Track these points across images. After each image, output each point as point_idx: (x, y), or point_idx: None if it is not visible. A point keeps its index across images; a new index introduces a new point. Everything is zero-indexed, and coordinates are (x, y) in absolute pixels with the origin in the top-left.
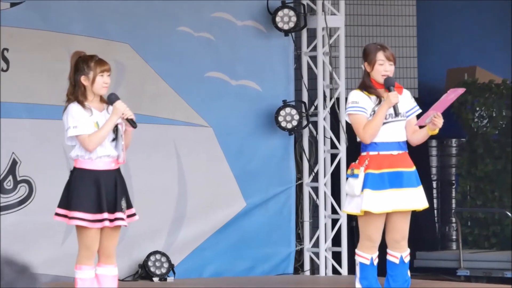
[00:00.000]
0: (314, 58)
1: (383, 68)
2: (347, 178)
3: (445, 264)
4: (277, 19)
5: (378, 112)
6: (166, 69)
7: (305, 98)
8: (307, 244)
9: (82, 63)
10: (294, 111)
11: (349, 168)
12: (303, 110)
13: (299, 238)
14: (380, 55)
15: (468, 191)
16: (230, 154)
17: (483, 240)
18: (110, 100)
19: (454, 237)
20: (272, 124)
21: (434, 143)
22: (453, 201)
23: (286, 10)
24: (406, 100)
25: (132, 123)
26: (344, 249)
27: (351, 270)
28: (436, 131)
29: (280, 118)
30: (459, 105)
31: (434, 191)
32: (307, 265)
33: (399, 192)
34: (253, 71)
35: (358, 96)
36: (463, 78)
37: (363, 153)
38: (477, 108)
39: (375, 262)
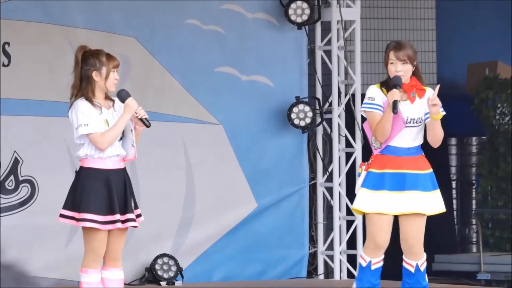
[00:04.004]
0: (328, 53)
1: (394, 67)
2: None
3: (465, 268)
4: (290, 11)
5: (385, 112)
6: (174, 63)
7: (319, 94)
8: (321, 247)
9: (92, 58)
10: (307, 108)
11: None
12: (317, 107)
13: (313, 241)
14: (391, 55)
15: (489, 192)
16: (240, 153)
17: (504, 243)
18: (120, 97)
19: (474, 239)
20: (285, 121)
21: (453, 141)
22: (473, 202)
23: (299, 2)
24: (425, 103)
25: (146, 122)
26: (359, 251)
27: None
28: (440, 114)
29: (293, 115)
30: (479, 102)
31: (454, 191)
32: (321, 269)
33: (401, 195)
34: (265, 66)
35: (375, 93)
36: (484, 74)
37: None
38: (499, 105)
39: (373, 266)
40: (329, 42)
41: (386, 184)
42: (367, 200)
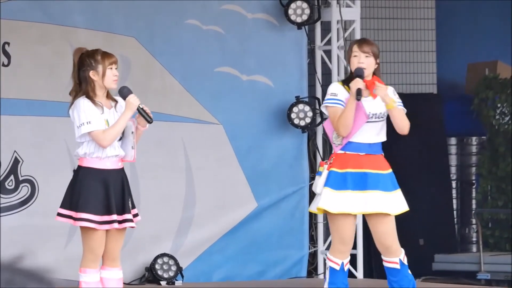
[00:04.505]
0: (328, 52)
1: (356, 60)
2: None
3: (464, 267)
4: (290, 11)
5: (347, 103)
6: (174, 63)
7: (319, 94)
8: (321, 247)
9: (88, 58)
10: (307, 108)
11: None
12: (317, 107)
13: (313, 240)
14: (355, 48)
15: (489, 191)
16: (240, 153)
17: (504, 243)
18: (122, 94)
19: (474, 239)
20: (285, 121)
21: (453, 141)
22: (473, 201)
23: (299, 2)
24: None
25: (147, 117)
26: (359, 252)
27: (367, 273)
28: (391, 104)
29: (293, 115)
30: (479, 102)
31: (454, 191)
32: (321, 268)
33: (364, 195)
34: (265, 66)
35: (337, 89)
36: (484, 73)
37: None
38: (499, 105)
39: (346, 267)
40: (329, 42)
41: (348, 183)
42: (332, 200)
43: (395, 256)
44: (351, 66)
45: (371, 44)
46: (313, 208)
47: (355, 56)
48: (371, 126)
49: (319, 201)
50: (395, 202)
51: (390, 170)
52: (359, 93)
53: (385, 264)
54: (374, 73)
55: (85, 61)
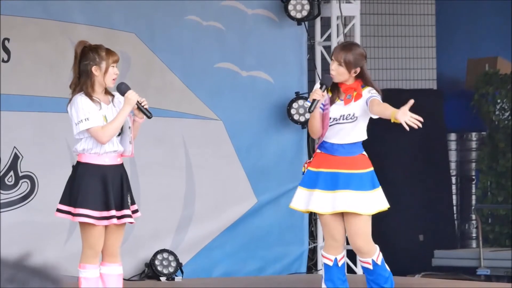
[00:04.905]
0: (328, 48)
1: (331, 65)
2: None
3: (464, 263)
4: (290, 7)
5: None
6: (174, 59)
7: None
8: (321, 242)
9: (92, 52)
10: (307, 104)
11: None
12: None
13: (312, 236)
14: (333, 52)
15: (489, 187)
16: (240, 148)
17: (504, 238)
18: (120, 90)
19: (474, 235)
20: (284, 117)
21: (453, 137)
22: (473, 197)
23: None
24: (361, 105)
25: (147, 112)
26: None
27: None
28: (395, 119)
29: (293, 111)
30: (479, 98)
31: (453, 187)
32: (320, 264)
33: (333, 194)
34: (265, 61)
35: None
36: (484, 69)
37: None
38: (498, 100)
39: (340, 263)
40: (329, 38)
41: (319, 183)
42: (302, 198)
43: (368, 257)
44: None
45: (348, 51)
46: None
47: (331, 60)
48: (341, 127)
49: (291, 201)
50: (370, 201)
51: (369, 169)
52: (312, 105)
53: (360, 263)
54: (360, 77)
55: (88, 54)
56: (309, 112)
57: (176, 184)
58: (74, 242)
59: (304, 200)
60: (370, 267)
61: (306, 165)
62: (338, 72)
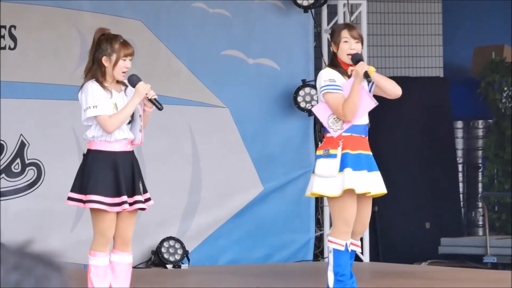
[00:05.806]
0: None
1: (348, 46)
2: (316, 159)
3: (471, 251)
4: None
5: (353, 89)
6: (180, 47)
7: None
8: (327, 230)
9: (105, 42)
10: (313, 91)
11: (319, 149)
12: None
13: (319, 224)
14: (345, 33)
15: (496, 175)
16: (246, 136)
17: (510, 226)
18: (131, 81)
19: (480, 222)
20: (291, 104)
21: (460, 124)
22: (480, 185)
23: None
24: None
25: (157, 104)
26: (365, 235)
27: (373, 256)
28: (371, 70)
29: (299, 99)
30: (486, 85)
31: (460, 174)
32: (327, 252)
33: (371, 176)
34: (271, 49)
35: (333, 75)
36: (491, 57)
37: (330, 135)
38: (505, 88)
39: (349, 248)
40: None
41: (364, 164)
42: (356, 180)
43: (358, 239)
44: (340, 51)
45: (358, 28)
46: (324, 191)
47: (345, 41)
48: None
49: (344, 183)
50: (381, 183)
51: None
52: (367, 75)
53: (352, 247)
54: None
55: (102, 44)
56: (369, 81)
57: (182, 171)
58: (80, 229)
59: (359, 181)
60: (359, 250)
61: (340, 148)
62: (358, 50)
